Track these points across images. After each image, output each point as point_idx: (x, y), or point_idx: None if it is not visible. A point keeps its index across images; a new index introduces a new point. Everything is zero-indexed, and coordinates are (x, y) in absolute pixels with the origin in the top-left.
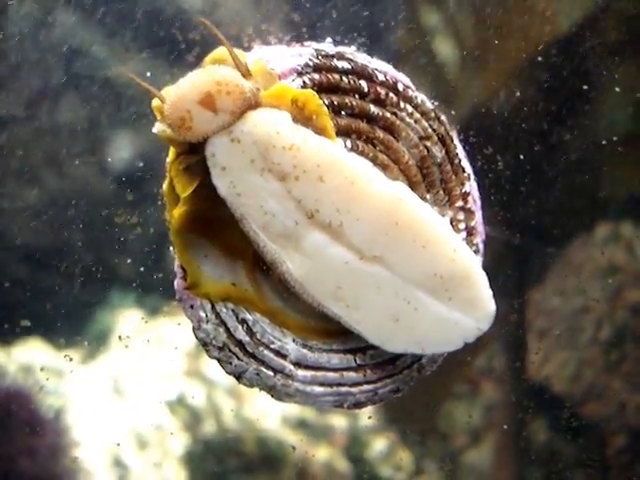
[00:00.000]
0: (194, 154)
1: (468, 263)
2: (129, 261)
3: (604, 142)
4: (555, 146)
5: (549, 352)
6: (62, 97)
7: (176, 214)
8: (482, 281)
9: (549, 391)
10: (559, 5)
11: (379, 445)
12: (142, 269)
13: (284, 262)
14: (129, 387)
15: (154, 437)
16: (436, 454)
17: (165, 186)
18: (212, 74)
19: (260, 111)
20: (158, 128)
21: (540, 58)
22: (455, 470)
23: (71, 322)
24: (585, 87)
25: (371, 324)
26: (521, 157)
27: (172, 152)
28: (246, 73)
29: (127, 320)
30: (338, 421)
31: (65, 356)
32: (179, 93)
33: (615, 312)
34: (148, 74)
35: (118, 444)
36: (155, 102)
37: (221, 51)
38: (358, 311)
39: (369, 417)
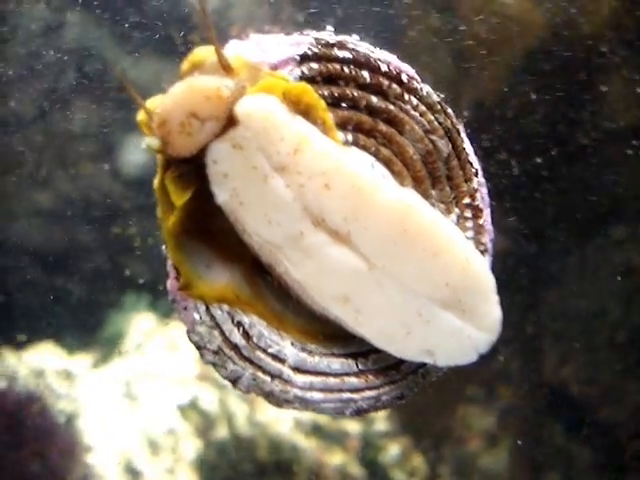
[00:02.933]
0: (187, 163)
1: (481, 273)
2: (142, 265)
3: (621, 146)
4: (571, 150)
5: (565, 355)
6: (74, 101)
7: (171, 221)
8: (492, 289)
9: (565, 394)
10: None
11: (393, 450)
12: (155, 274)
13: (282, 262)
14: (141, 391)
15: (167, 442)
16: (451, 458)
17: (156, 182)
18: (203, 82)
19: (250, 102)
20: (148, 142)
21: (552, 62)
22: (470, 474)
23: (84, 326)
24: (604, 89)
25: (379, 333)
26: (538, 160)
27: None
28: (229, 70)
29: (140, 324)
30: (352, 426)
31: (77, 360)
32: (170, 103)
33: (631, 315)
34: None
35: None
36: (141, 116)
37: (201, 51)
38: (365, 319)
39: (383, 421)
